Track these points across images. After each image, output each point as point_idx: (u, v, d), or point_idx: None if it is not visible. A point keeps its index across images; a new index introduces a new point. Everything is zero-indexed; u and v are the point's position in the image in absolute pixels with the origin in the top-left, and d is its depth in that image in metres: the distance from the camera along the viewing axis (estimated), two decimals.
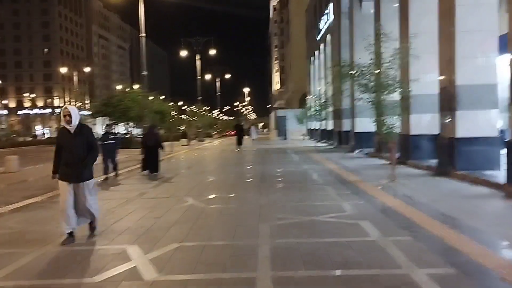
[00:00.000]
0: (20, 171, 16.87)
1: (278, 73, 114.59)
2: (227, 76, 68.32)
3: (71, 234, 5.90)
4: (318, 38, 36.23)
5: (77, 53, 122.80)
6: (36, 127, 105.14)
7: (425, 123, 13.83)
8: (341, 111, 25.92)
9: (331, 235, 5.85)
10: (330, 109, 29.42)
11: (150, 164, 14.10)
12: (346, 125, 25.40)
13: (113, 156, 13.42)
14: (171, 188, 10.91)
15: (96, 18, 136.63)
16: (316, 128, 37.21)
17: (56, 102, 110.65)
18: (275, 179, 12.09)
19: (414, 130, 14.22)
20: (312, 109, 34.90)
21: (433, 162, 12.58)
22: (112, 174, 13.50)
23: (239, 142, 30.90)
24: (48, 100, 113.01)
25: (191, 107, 41.61)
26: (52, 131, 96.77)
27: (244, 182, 12.03)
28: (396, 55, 10.84)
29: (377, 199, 8.41)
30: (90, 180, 6.09)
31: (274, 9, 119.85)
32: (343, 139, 26.18)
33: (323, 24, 33.71)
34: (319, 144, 30.99)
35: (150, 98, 25.16)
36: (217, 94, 66.73)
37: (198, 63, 45.90)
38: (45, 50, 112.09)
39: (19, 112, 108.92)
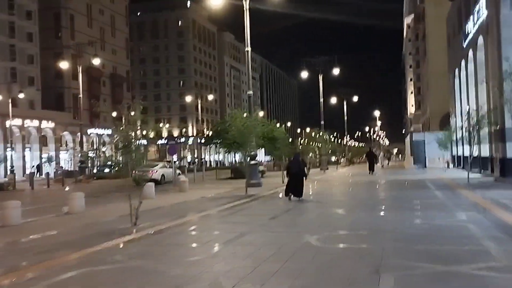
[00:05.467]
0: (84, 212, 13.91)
1: (413, 95, 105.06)
2: (355, 99, 62.74)
3: None
4: (465, 44, 29.41)
5: (210, 84, 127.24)
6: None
7: None
8: (504, 131, 19.30)
9: None
10: (486, 129, 22.52)
11: (294, 189, 14.73)
12: None
13: None
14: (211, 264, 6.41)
15: (227, 49, 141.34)
16: (465, 154, 29.97)
17: (190, 131, 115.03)
18: (409, 249, 6.89)
19: None
20: (459, 131, 28.00)
21: None
22: None
23: (371, 168, 31.94)
24: (183, 130, 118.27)
25: (308, 131, 37.07)
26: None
27: (347, 256, 7.06)
28: None
29: None
30: None
31: (408, 26, 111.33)
32: (507, 170, 19.42)
33: (472, 26, 27.03)
34: (470, 175, 24.06)
35: (257, 122, 21.14)
36: (345, 118, 61.43)
37: (320, 84, 41.58)
38: (181, 82, 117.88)
39: (158, 142, 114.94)
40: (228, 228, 9.77)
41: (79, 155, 44.26)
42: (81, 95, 36.02)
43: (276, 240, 7.96)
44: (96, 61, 35.90)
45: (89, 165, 42.05)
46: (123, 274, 6.01)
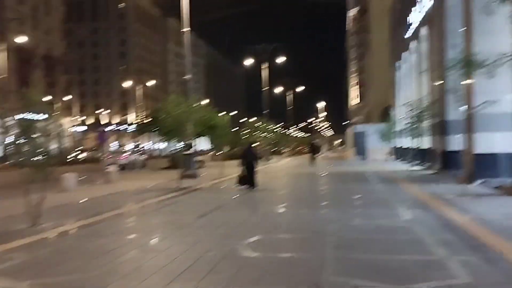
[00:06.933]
0: None
1: (356, 87, 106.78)
2: (300, 89, 62.48)
3: None
4: (408, 35, 29.27)
5: (153, 70, 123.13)
6: (111, 144, 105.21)
7: None
8: (446, 123, 19.02)
9: None
10: (427, 122, 22.33)
11: (249, 179, 14.89)
12: (453, 143, 18.51)
13: None
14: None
15: (171, 35, 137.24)
16: (405, 146, 30.02)
17: (130, 118, 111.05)
18: (352, 259, 5.85)
19: None
20: (400, 123, 27.91)
21: None
22: None
23: (313, 159, 32.64)
24: (123, 116, 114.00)
25: (252, 121, 35.91)
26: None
27: (278, 270, 5.91)
28: None
29: None
30: None
31: (352, 19, 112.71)
32: (448, 163, 19.19)
33: (415, 16, 26.83)
34: (411, 167, 23.95)
35: (193, 109, 19.59)
36: (288, 108, 60.98)
37: (264, 72, 40.57)
38: (121, 67, 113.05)
39: (99, 129, 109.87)
40: (144, 230, 8.37)
41: None
42: (2, 76, 32.72)
43: (198, 247, 6.67)
44: (23, 39, 32.85)
45: (15, 152, 38.79)
46: None
